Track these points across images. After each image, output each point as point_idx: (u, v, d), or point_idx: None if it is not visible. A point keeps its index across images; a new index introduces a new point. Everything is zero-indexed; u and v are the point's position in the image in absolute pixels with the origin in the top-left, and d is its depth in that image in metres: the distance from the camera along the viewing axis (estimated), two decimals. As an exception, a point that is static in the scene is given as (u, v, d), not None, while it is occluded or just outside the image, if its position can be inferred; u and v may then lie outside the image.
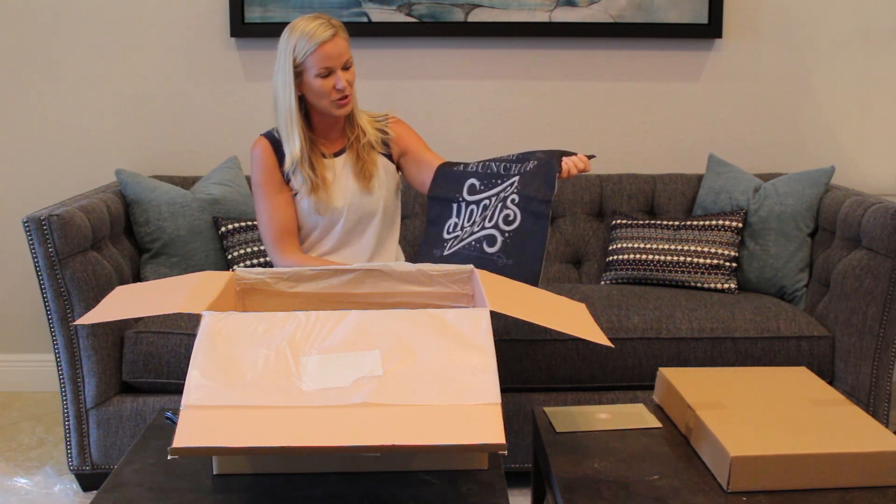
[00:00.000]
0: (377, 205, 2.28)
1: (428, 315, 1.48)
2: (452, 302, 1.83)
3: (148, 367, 2.46)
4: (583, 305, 1.77)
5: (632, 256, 2.83)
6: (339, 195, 2.26)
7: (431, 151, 2.36)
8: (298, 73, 2.16)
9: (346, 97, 2.18)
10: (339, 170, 2.28)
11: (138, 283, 1.95)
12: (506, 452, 1.26)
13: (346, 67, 2.18)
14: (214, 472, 1.53)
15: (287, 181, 2.26)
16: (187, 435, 1.27)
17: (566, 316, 1.67)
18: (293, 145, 2.21)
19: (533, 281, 2.11)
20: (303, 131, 2.21)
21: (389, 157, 2.35)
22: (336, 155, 2.29)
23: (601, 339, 1.60)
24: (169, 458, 1.25)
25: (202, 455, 1.53)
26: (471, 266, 1.81)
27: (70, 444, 2.49)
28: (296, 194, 2.26)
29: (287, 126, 2.20)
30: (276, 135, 2.27)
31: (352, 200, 2.26)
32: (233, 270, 1.81)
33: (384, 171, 2.32)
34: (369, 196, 2.28)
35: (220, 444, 1.27)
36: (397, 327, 1.45)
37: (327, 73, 2.14)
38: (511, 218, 2.10)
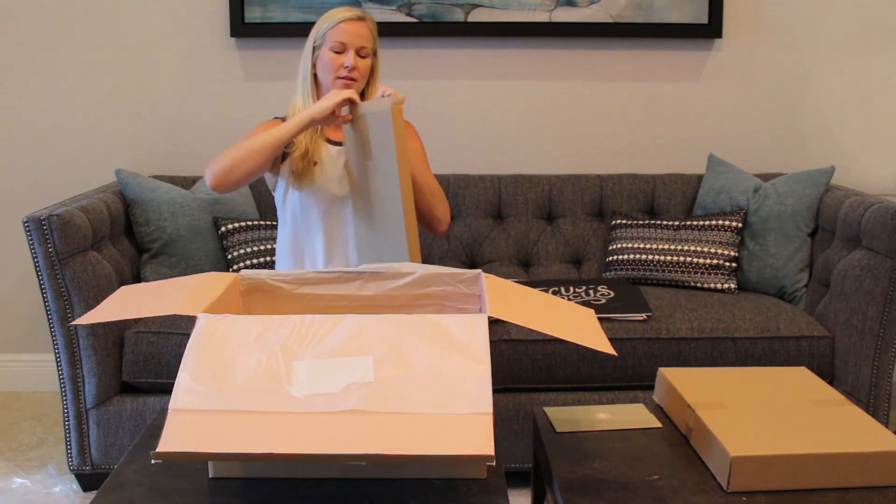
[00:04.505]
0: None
1: (425, 320, 1.45)
2: (460, 302, 1.79)
3: (148, 367, 2.46)
4: (591, 312, 1.71)
5: (632, 256, 2.83)
6: (321, 176, 2.24)
7: (428, 170, 2.35)
8: (317, 46, 2.22)
9: (352, 80, 2.19)
10: (334, 157, 2.27)
11: (142, 283, 1.94)
12: (493, 463, 1.23)
13: (362, 55, 2.21)
14: (210, 476, 1.52)
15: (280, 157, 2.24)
16: (172, 439, 1.24)
17: (570, 323, 1.63)
18: (296, 99, 2.26)
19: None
20: (311, 98, 2.25)
21: None
22: (337, 144, 2.29)
23: (605, 347, 1.56)
24: (152, 462, 1.24)
25: (187, 460, 1.50)
26: (478, 271, 1.78)
27: (70, 444, 2.49)
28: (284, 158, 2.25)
29: (299, 91, 2.26)
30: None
31: (334, 188, 2.25)
32: (237, 272, 1.79)
33: None
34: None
35: (205, 449, 1.25)
36: (392, 332, 1.43)
37: (341, 48, 2.19)
38: None
